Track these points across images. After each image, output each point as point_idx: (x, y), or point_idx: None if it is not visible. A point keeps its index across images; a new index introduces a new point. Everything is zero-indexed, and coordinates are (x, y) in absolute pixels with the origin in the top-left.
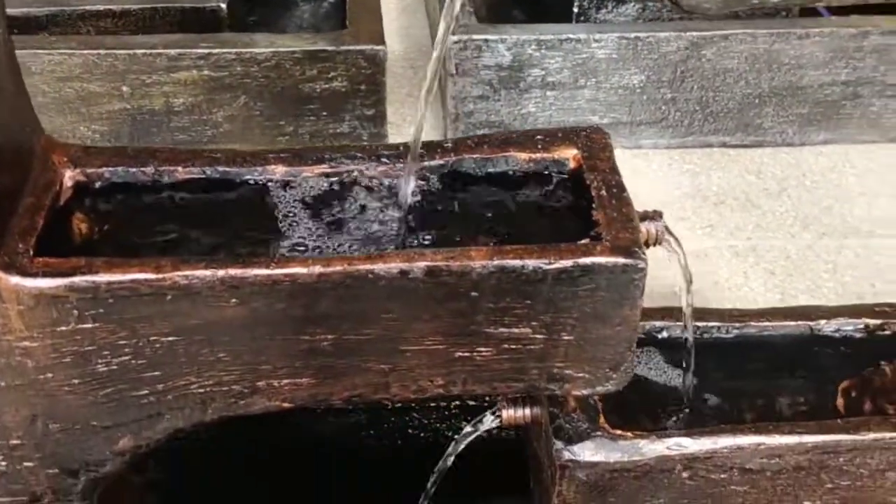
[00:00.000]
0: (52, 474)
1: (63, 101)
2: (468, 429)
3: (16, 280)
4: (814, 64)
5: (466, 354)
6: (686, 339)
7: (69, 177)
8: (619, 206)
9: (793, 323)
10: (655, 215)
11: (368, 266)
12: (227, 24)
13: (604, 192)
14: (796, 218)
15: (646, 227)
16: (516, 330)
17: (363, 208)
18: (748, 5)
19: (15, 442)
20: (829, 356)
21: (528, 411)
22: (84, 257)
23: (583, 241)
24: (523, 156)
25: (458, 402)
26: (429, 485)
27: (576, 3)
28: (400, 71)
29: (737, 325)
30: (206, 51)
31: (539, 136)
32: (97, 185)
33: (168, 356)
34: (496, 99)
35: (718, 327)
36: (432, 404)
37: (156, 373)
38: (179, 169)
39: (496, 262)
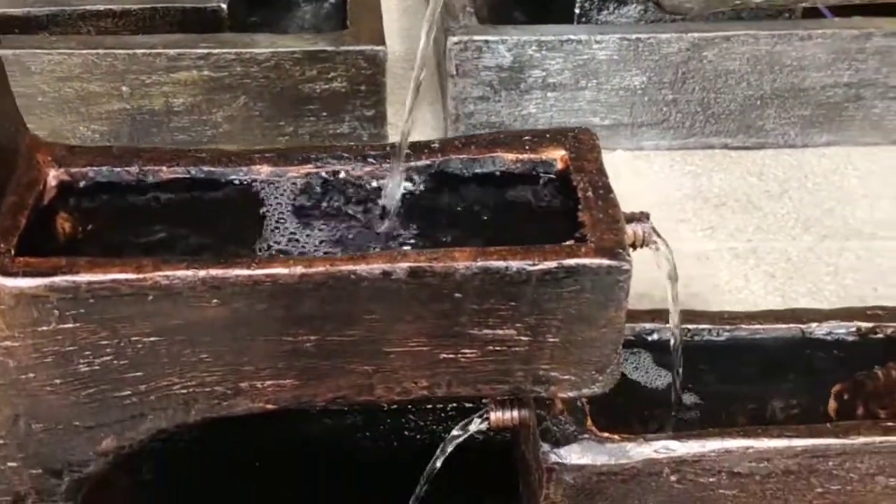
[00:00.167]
0: (36, 474)
1: (63, 100)
2: (456, 431)
3: None
4: (816, 66)
5: (451, 356)
6: (675, 344)
7: (53, 176)
8: (606, 207)
9: (784, 326)
10: (642, 217)
11: (351, 267)
12: (227, 24)
13: (590, 194)
14: (798, 220)
15: (632, 229)
16: (501, 331)
17: (349, 209)
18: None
19: None
20: (821, 359)
21: (515, 414)
22: (65, 257)
23: (567, 243)
24: (510, 156)
25: (454, 405)
26: (418, 487)
27: (577, 5)
28: (401, 72)
29: (728, 327)
30: (206, 51)
31: (527, 137)
32: (81, 184)
33: (150, 357)
34: (497, 100)
35: (709, 330)
36: (428, 406)
37: (138, 373)
38: (164, 169)
39: (480, 264)
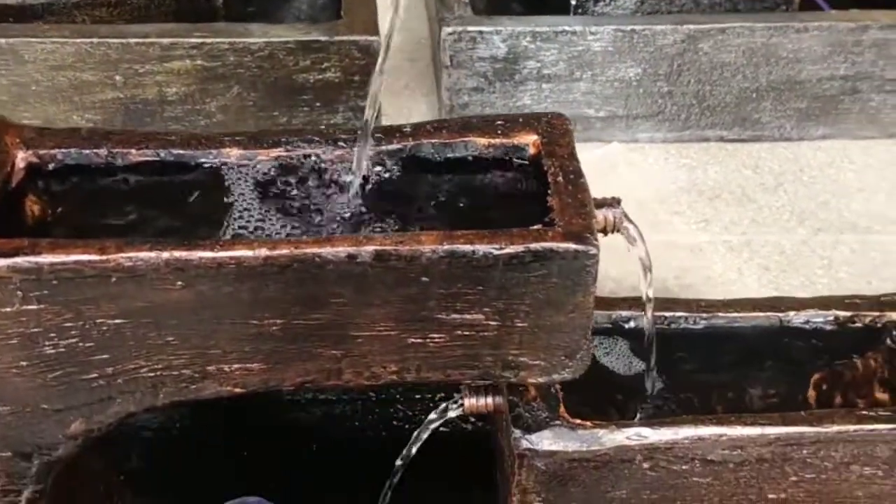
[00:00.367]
0: (5, 457)
1: (56, 89)
2: (431, 416)
3: None
4: (812, 58)
5: (419, 341)
6: (647, 330)
7: (21, 158)
8: (575, 192)
9: (762, 314)
10: (613, 202)
11: (315, 250)
12: (222, 14)
13: (560, 178)
14: (792, 213)
15: (603, 214)
16: (469, 316)
17: (319, 192)
18: None
19: None
20: (799, 348)
21: (490, 400)
22: (28, 238)
23: (535, 227)
24: (483, 141)
25: (442, 394)
26: (393, 473)
27: None
28: (396, 63)
29: (704, 315)
30: (200, 40)
31: (499, 122)
32: (50, 166)
33: (116, 339)
34: (491, 91)
35: (686, 318)
36: (417, 396)
37: (104, 356)
38: (133, 151)
39: (446, 247)
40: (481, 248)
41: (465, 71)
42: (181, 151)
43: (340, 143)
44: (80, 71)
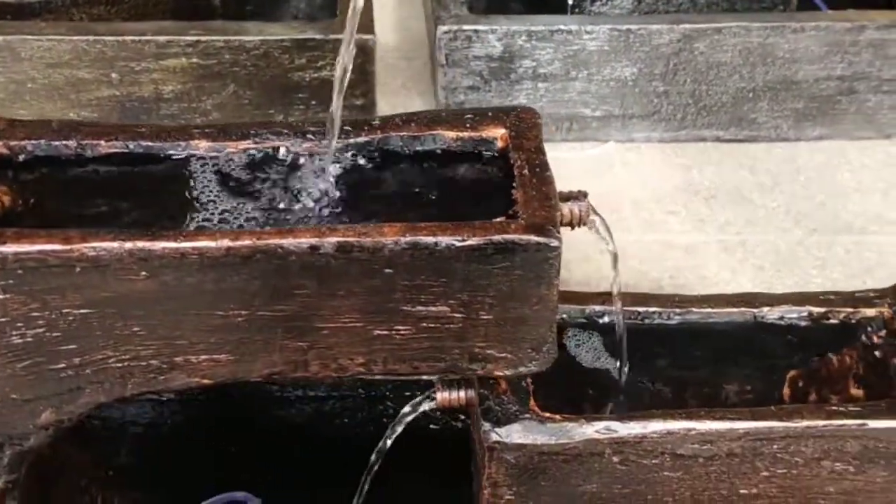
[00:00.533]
0: None
1: (52, 87)
2: (405, 410)
3: None
4: (809, 58)
5: (385, 333)
6: (617, 324)
7: None
8: (540, 185)
9: (736, 310)
10: (580, 195)
11: (278, 241)
12: (220, 12)
13: (526, 171)
14: (788, 213)
15: (568, 208)
16: (434, 308)
17: (288, 185)
18: None
19: None
20: (773, 344)
21: (462, 394)
22: None
23: (497, 219)
24: (451, 134)
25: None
26: (370, 465)
27: None
28: (393, 62)
29: (678, 310)
30: (195, 38)
31: (468, 115)
32: (20, 157)
33: (83, 329)
34: (487, 90)
35: (660, 313)
36: (406, 393)
37: (72, 346)
38: (102, 143)
39: (408, 239)
40: (444, 240)
41: (461, 70)
42: (150, 143)
43: (309, 136)
44: (77, 68)
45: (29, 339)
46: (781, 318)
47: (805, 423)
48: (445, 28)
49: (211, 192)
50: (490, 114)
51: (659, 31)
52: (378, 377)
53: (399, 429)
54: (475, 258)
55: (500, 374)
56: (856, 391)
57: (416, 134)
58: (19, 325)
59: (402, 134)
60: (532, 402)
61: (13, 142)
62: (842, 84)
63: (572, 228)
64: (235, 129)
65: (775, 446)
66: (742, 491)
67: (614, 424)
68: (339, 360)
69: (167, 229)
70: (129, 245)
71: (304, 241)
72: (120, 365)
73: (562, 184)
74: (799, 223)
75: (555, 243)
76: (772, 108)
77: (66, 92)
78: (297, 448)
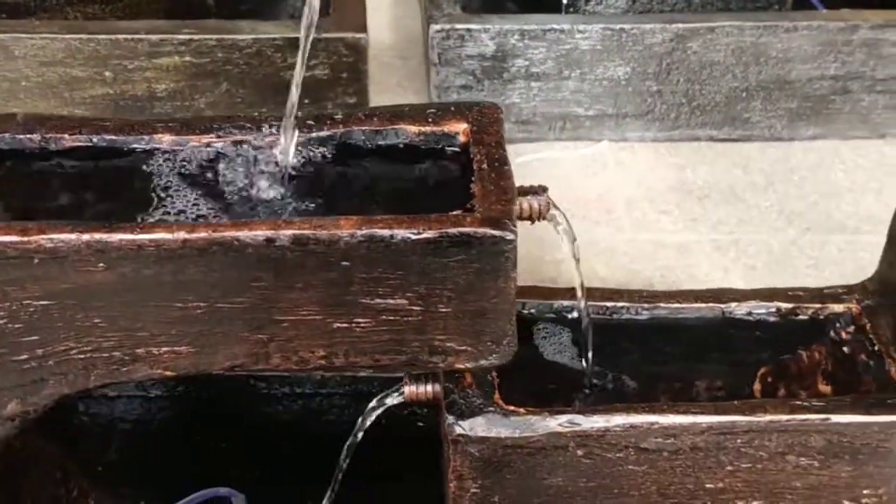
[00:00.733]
0: None
1: (46, 85)
2: (373, 404)
3: None
4: (802, 58)
5: (345, 325)
6: (582, 318)
7: None
8: (498, 179)
9: (704, 305)
10: (539, 190)
11: (233, 233)
12: (214, 11)
13: (485, 166)
14: (781, 213)
15: (527, 202)
16: (392, 301)
17: (250, 178)
18: None
19: None
20: (742, 340)
21: (430, 388)
22: None
23: (454, 213)
24: (413, 129)
25: None
26: (340, 459)
27: None
28: (388, 60)
29: (646, 306)
30: (188, 37)
31: (431, 110)
32: None
33: (44, 321)
34: (479, 89)
35: (628, 308)
36: None
37: (34, 337)
38: (66, 136)
39: (364, 231)
40: (399, 233)
41: (454, 69)
42: (114, 137)
43: (272, 130)
44: (70, 67)
45: None
46: (749, 313)
47: (768, 417)
48: (438, 27)
49: (174, 185)
50: (452, 109)
51: (652, 31)
52: (362, 374)
53: (368, 422)
54: (431, 251)
55: (462, 366)
56: (824, 387)
57: (378, 128)
58: None
59: (364, 128)
60: (497, 396)
61: None
62: (835, 83)
63: (532, 223)
64: (198, 123)
65: (739, 440)
66: (708, 485)
67: (577, 418)
68: (300, 353)
69: (125, 221)
70: (86, 237)
71: (260, 233)
72: (82, 356)
73: (555, 183)
74: (792, 222)
75: (510, 236)
76: (765, 108)
77: (59, 90)
78: (285, 445)
